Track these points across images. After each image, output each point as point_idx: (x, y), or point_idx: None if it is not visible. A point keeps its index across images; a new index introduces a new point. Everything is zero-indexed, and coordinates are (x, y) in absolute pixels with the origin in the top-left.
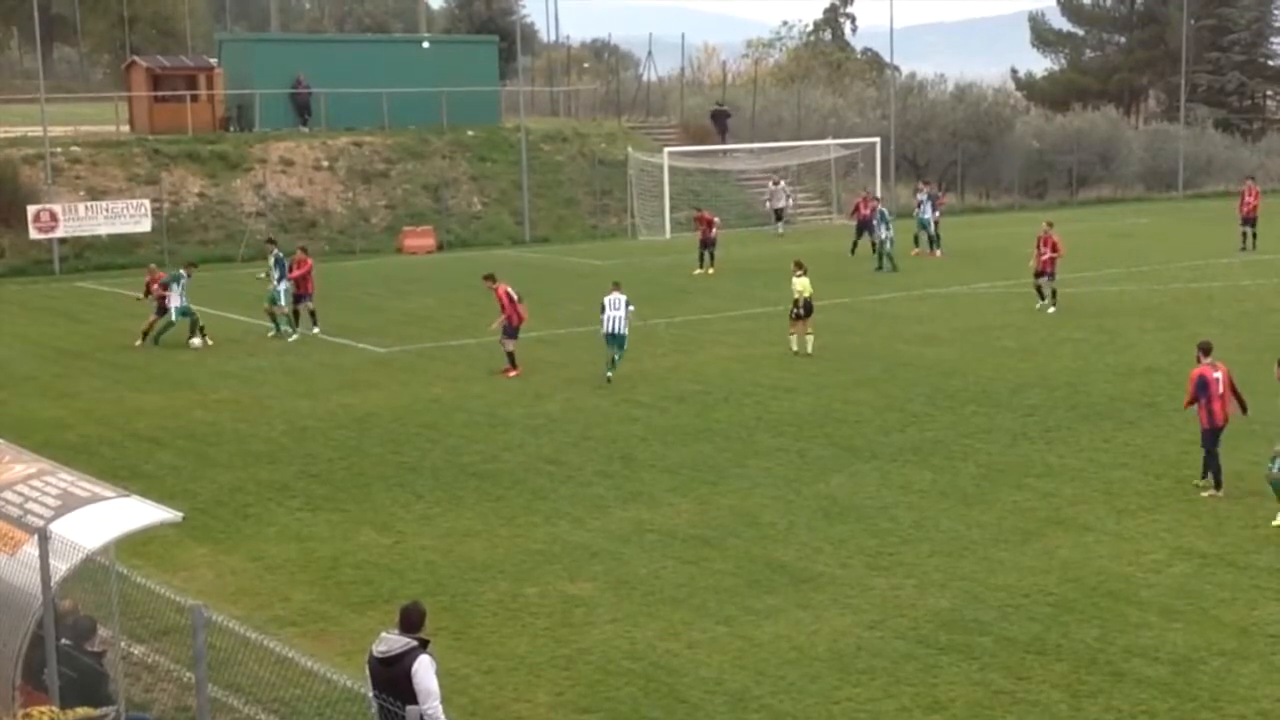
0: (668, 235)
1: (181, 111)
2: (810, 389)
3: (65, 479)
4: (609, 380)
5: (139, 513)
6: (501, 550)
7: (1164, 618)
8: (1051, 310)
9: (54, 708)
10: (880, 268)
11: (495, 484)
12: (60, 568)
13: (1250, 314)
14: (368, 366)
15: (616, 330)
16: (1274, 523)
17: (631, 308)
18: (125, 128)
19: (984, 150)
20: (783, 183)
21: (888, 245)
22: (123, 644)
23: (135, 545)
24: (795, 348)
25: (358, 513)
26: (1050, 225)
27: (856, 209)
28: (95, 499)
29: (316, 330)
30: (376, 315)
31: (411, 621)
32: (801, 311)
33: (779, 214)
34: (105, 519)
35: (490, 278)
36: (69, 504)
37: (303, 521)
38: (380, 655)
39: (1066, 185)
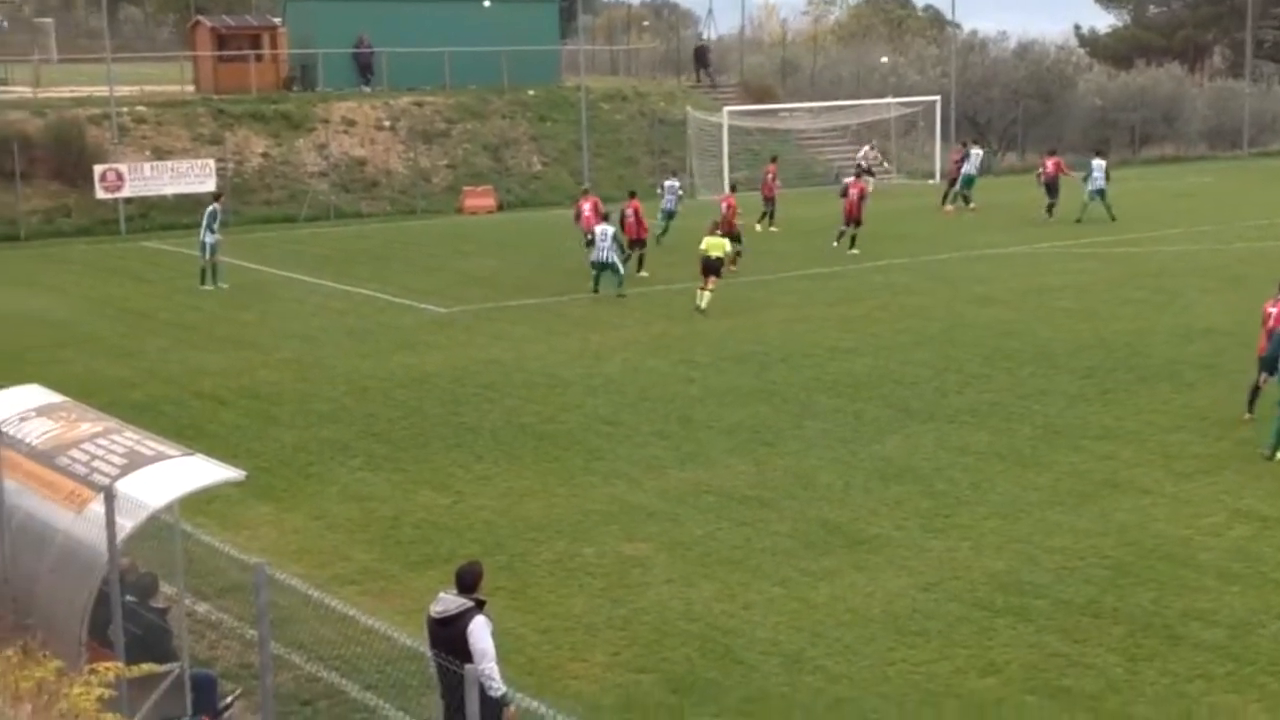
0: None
1: (246, 71)
2: (868, 350)
3: (131, 437)
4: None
5: (203, 471)
6: (559, 510)
7: (1222, 581)
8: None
9: (119, 664)
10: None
11: (553, 444)
12: (126, 525)
13: None
14: (428, 327)
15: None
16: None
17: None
18: (190, 88)
19: (1045, 108)
20: (867, 147)
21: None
22: (187, 601)
23: (199, 503)
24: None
25: (417, 472)
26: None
27: (1043, 169)
28: (160, 457)
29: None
30: (437, 275)
31: (467, 582)
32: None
33: (867, 172)
34: (170, 477)
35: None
36: (135, 462)
37: (363, 481)
38: (437, 615)
39: (1129, 143)
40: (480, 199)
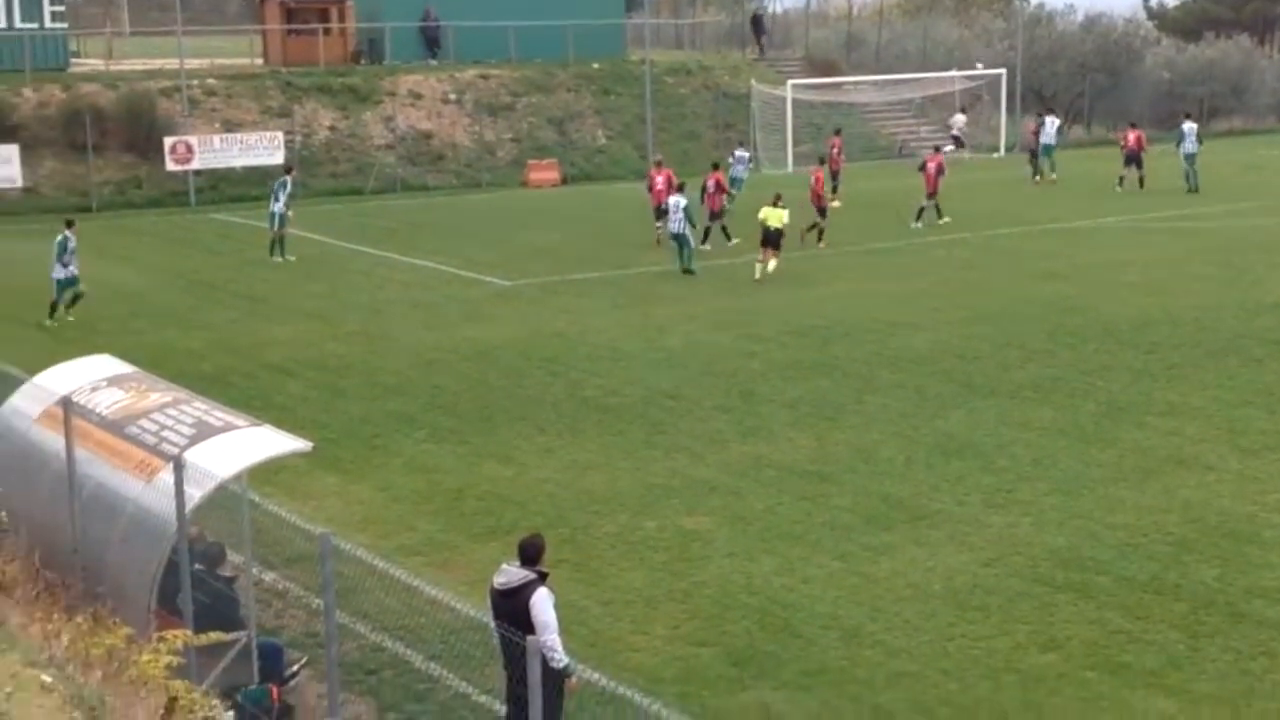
0: (790, 169)
1: (314, 44)
2: (929, 325)
3: (200, 408)
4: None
5: (270, 442)
6: (621, 483)
7: None
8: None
9: (187, 631)
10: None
11: (616, 418)
12: (195, 495)
13: None
14: (492, 300)
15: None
16: None
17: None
18: (259, 60)
19: (1112, 82)
20: (966, 114)
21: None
22: (254, 570)
23: (266, 474)
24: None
25: (481, 445)
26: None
27: (1125, 141)
28: (228, 428)
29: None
30: (501, 248)
31: (529, 554)
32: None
33: (959, 142)
34: (238, 448)
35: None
36: (203, 432)
37: (428, 453)
38: (500, 587)
39: (1198, 116)
40: (545, 172)
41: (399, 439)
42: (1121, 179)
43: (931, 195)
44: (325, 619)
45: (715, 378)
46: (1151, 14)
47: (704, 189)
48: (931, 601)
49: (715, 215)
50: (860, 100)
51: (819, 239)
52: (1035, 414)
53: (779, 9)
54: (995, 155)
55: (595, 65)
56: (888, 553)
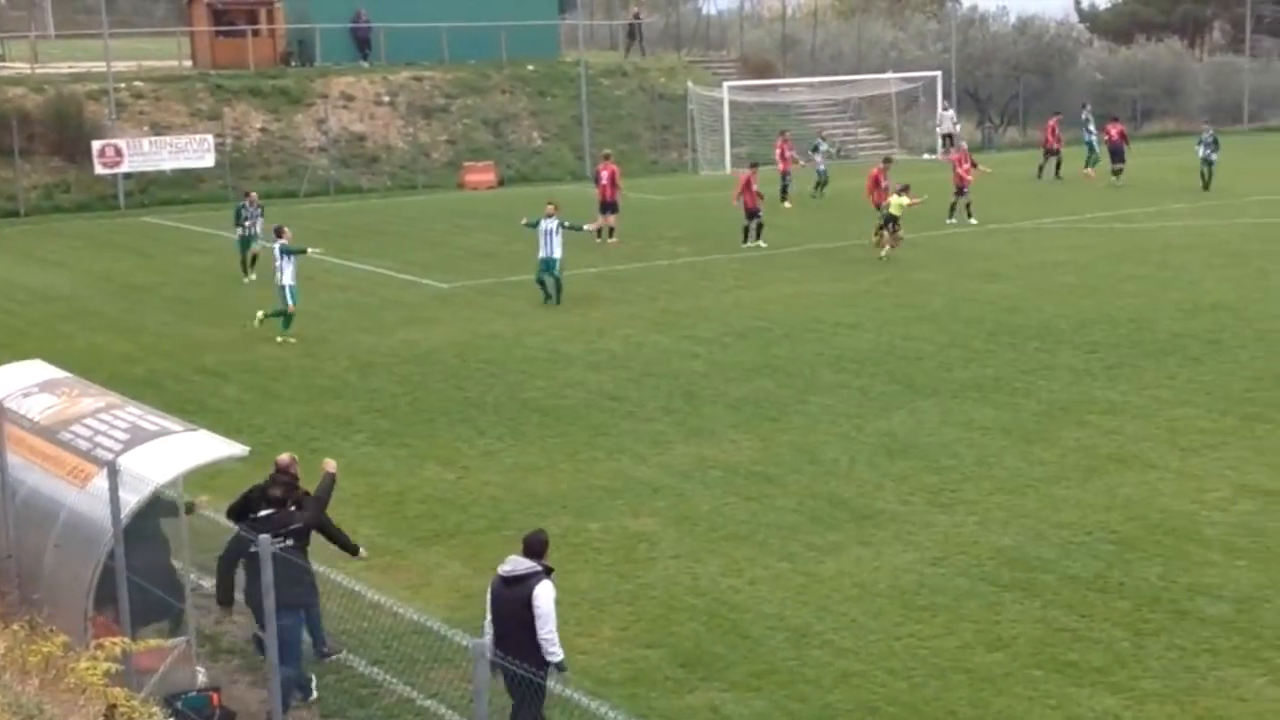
0: (728, 170)
1: (243, 46)
2: (872, 325)
3: (134, 412)
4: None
5: (206, 446)
6: (564, 486)
7: (1228, 555)
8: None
9: (125, 638)
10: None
11: (557, 420)
12: (130, 500)
13: None
14: (430, 302)
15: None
16: None
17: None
18: (188, 63)
19: (1046, 84)
20: (952, 110)
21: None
22: (193, 576)
23: (203, 479)
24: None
25: (422, 448)
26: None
27: (1108, 135)
28: (164, 432)
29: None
30: (438, 250)
31: (535, 548)
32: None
33: (949, 139)
34: (173, 452)
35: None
36: (137, 437)
37: (368, 456)
38: (505, 574)
39: (1130, 118)
40: (481, 174)
41: (338, 442)
42: (1116, 172)
43: (961, 191)
44: (266, 625)
45: (657, 379)
46: (1083, 16)
47: (746, 184)
48: (878, 601)
49: (751, 214)
50: (797, 101)
51: (757, 236)
52: (978, 413)
53: (713, 10)
54: (928, 157)
55: (530, 67)
56: (834, 553)
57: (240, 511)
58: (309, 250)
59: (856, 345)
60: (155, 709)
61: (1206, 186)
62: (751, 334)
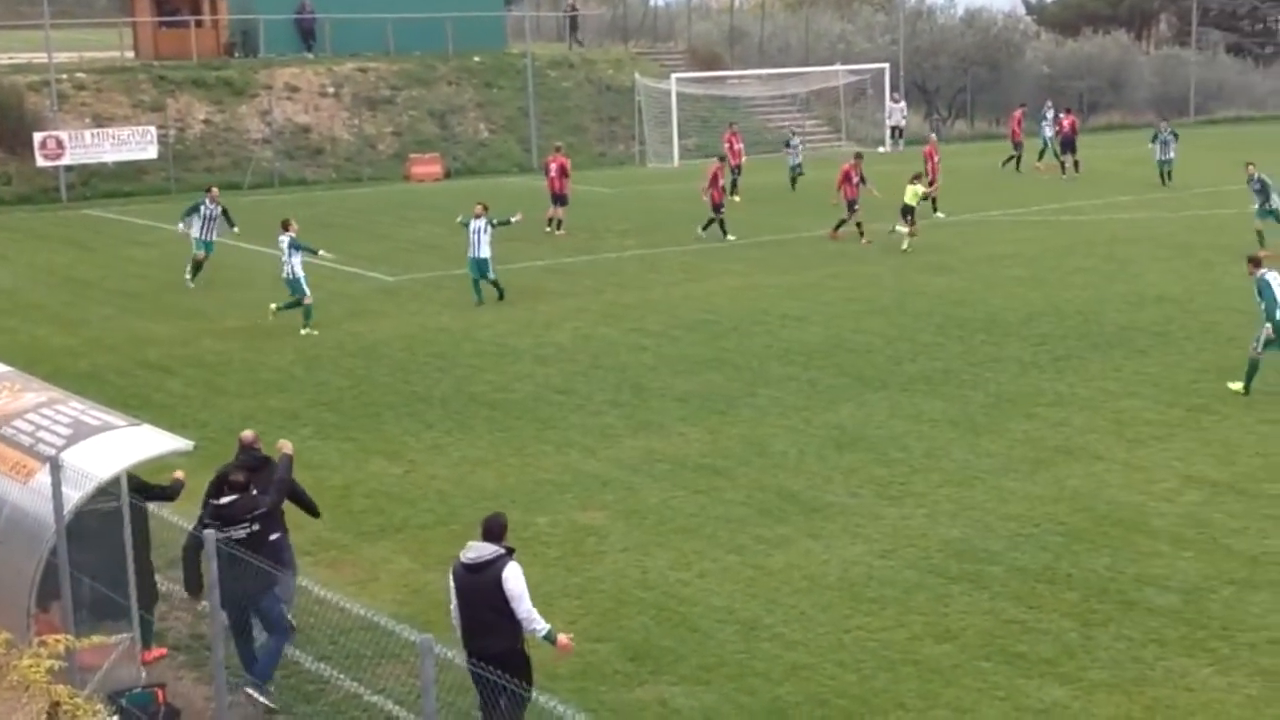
0: (676, 162)
1: (186, 37)
2: (820, 318)
3: (76, 407)
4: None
5: (150, 441)
6: (512, 479)
7: (1175, 546)
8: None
9: (69, 635)
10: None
11: (505, 413)
12: (73, 496)
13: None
14: (376, 295)
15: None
16: (1230, 386)
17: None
18: (130, 54)
19: (993, 76)
20: (902, 101)
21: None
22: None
23: (147, 474)
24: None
25: (368, 442)
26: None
27: (1059, 127)
28: (107, 427)
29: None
30: (384, 243)
31: (495, 531)
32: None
33: (898, 131)
34: (117, 448)
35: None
36: (80, 432)
37: (314, 450)
38: (469, 562)
39: (1077, 111)
40: (427, 166)
41: (283, 436)
42: (1063, 165)
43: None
44: (211, 620)
45: (605, 372)
46: (1030, 9)
47: (714, 178)
48: (827, 594)
49: (717, 208)
50: (745, 94)
51: (723, 231)
52: (926, 406)
53: (661, 2)
54: (881, 149)
55: (476, 58)
56: (783, 546)
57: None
58: (320, 252)
59: (805, 338)
60: (99, 706)
61: (1165, 183)
62: (700, 327)
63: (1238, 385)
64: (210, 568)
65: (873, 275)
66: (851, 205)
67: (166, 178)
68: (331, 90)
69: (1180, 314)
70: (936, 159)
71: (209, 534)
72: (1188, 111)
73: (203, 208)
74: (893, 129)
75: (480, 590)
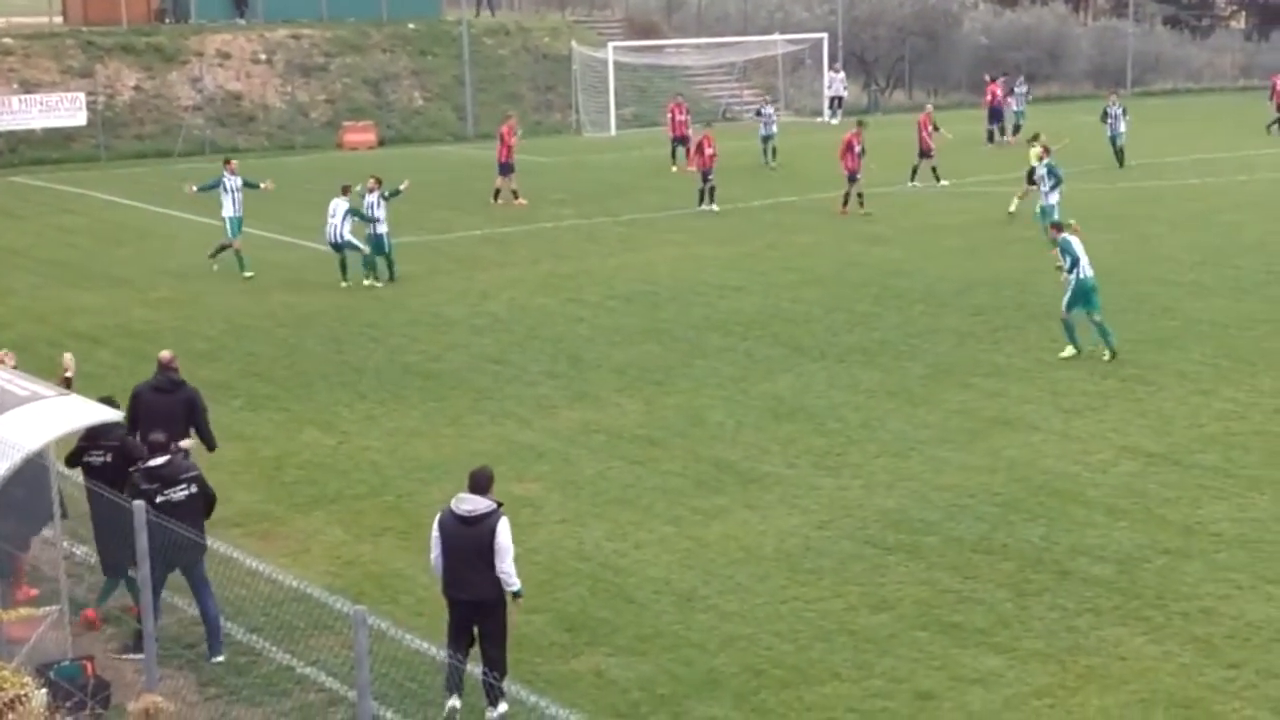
0: (613, 132)
1: (116, 3)
2: (758, 289)
3: (3, 377)
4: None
5: (79, 412)
6: (447, 450)
7: (1110, 517)
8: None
9: None
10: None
11: (440, 384)
12: None
13: (1198, 214)
14: (309, 264)
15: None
16: (1061, 355)
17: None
18: (59, 19)
19: (931, 47)
20: (842, 72)
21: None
22: (65, 544)
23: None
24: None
25: (301, 412)
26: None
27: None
28: (34, 397)
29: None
30: (317, 212)
31: (482, 485)
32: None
33: (838, 101)
34: (45, 418)
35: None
36: (7, 402)
37: (245, 421)
38: (465, 514)
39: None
40: (360, 134)
41: (214, 407)
42: (990, 134)
43: (925, 154)
44: (140, 593)
45: (541, 343)
46: None
47: (699, 147)
48: (764, 565)
49: (705, 175)
50: (683, 64)
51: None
52: (863, 377)
53: None
54: (819, 119)
55: (411, 25)
56: (719, 517)
57: (134, 420)
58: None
59: (742, 308)
60: (27, 679)
61: (1121, 163)
62: (637, 297)
63: (1069, 351)
64: (140, 539)
65: (810, 245)
66: (852, 176)
67: (96, 145)
68: (264, 57)
69: (1114, 285)
70: (930, 129)
71: (139, 505)
72: (1125, 83)
73: (226, 180)
74: (832, 99)
75: (473, 542)
